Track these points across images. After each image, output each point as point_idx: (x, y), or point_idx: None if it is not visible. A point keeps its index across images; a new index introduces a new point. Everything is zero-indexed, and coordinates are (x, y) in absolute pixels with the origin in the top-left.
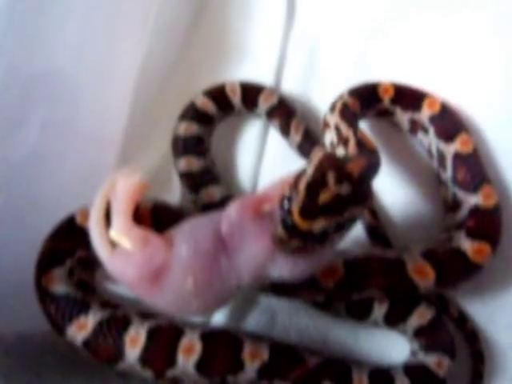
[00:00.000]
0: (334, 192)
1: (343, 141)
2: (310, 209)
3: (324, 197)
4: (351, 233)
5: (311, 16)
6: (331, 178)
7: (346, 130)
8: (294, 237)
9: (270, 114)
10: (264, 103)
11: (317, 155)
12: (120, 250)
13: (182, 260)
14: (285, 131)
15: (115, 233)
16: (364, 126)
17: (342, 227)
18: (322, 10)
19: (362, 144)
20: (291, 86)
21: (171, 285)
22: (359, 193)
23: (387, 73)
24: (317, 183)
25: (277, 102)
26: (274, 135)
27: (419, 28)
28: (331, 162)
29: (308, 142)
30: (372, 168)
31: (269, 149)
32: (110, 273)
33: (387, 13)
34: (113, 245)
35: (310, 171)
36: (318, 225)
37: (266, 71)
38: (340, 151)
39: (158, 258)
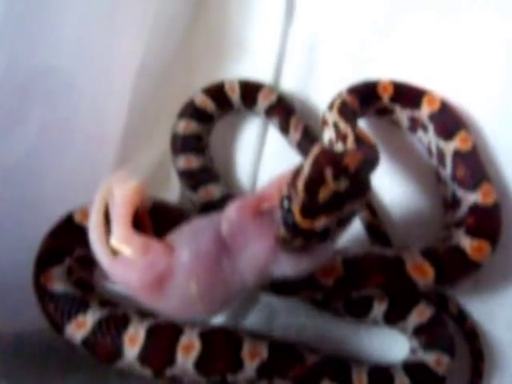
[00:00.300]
0: (332, 188)
1: (341, 138)
2: (311, 207)
3: (323, 194)
4: (350, 231)
5: (310, 13)
6: (329, 174)
7: (344, 127)
8: (297, 236)
9: (269, 111)
10: (263, 101)
11: (313, 151)
12: (121, 257)
13: (184, 264)
14: (284, 129)
15: (116, 241)
16: (363, 124)
17: (343, 222)
18: (321, 7)
19: (360, 140)
20: (290, 84)
21: (175, 290)
22: (357, 186)
23: (386, 70)
24: (315, 180)
25: (276, 100)
26: (273, 133)
27: (419, 26)
28: (328, 158)
29: (307, 140)
30: (369, 161)
31: (268, 147)
32: (111, 278)
33: (387, 11)
34: (114, 253)
35: (307, 168)
36: (320, 223)
37: (265, 69)
38: (339, 148)
39: (159, 264)
